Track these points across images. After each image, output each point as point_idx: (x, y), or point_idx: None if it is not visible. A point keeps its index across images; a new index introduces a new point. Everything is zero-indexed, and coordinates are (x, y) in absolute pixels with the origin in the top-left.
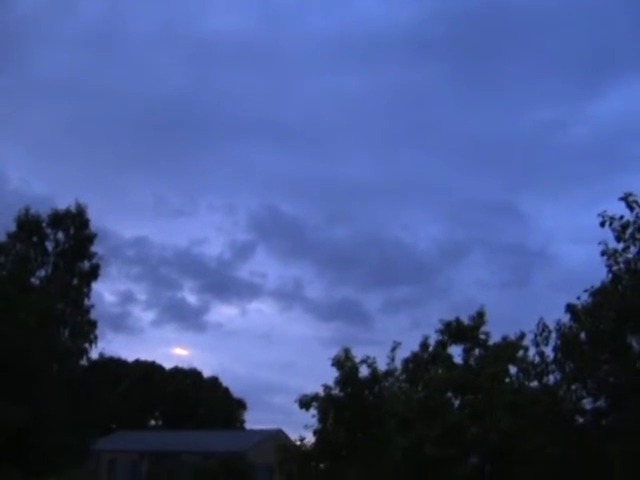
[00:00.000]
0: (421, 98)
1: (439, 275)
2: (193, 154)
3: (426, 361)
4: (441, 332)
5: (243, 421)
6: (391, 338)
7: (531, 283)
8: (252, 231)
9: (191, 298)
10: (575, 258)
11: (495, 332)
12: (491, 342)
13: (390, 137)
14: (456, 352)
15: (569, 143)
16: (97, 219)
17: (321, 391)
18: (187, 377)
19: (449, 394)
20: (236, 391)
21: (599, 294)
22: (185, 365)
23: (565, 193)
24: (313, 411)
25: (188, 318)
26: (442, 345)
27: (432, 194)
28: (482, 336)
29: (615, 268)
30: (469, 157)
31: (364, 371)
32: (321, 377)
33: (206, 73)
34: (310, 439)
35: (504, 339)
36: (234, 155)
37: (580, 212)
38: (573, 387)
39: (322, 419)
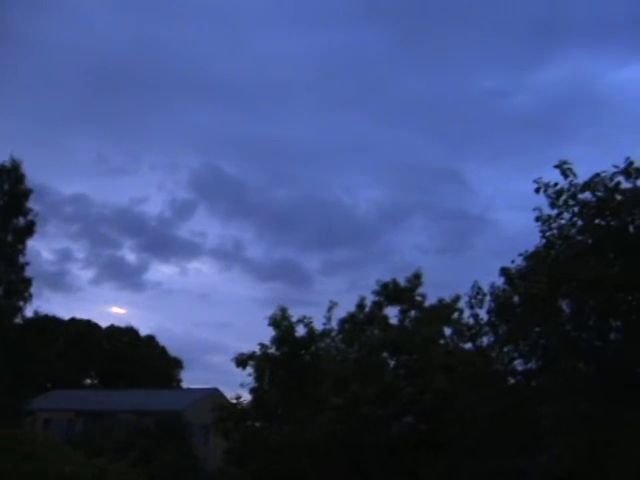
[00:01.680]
0: (368, 62)
1: (379, 238)
2: (136, 112)
3: (362, 321)
4: (378, 293)
5: (180, 380)
6: (329, 299)
7: (469, 248)
8: (193, 190)
9: (130, 257)
10: (513, 224)
11: (432, 295)
12: (427, 304)
13: (335, 100)
14: (392, 313)
15: (511, 111)
16: (35, 175)
17: (257, 350)
18: (123, 335)
19: (384, 354)
20: (173, 350)
21: (533, 259)
22: (122, 324)
23: (505, 160)
24: (249, 370)
25: (127, 277)
26: (378, 306)
27: (375, 157)
28: (418, 298)
29: (548, 234)
30: (413, 122)
31: (300, 331)
32: (259, 337)
33: (152, 30)
34: (246, 398)
35: (440, 301)
36: (178, 114)
37: (519, 179)
38: (505, 349)
39: (258, 378)
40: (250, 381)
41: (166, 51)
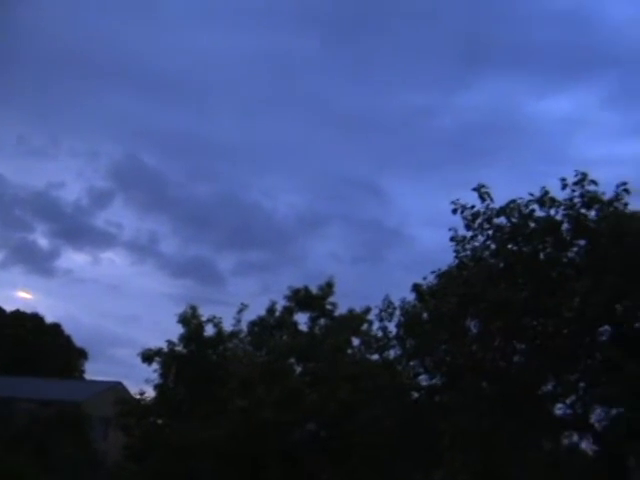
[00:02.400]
0: (301, 67)
1: (295, 243)
2: (61, 96)
3: (272, 326)
4: (289, 299)
5: (83, 371)
6: (241, 300)
7: (384, 261)
8: (112, 180)
9: (43, 242)
10: (428, 240)
11: (344, 304)
12: (337, 313)
13: (264, 102)
14: (302, 320)
15: (434, 130)
16: None
17: (165, 347)
18: (28, 321)
19: (292, 360)
20: (79, 340)
21: (444, 277)
22: (28, 309)
23: (426, 178)
24: (155, 366)
25: (37, 262)
26: (289, 311)
27: (297, 163)
28: (329, 306)
29: (462, 254)
30: (338, 131)
31: (210, 330)
32: (168, 333)
33: (82, 15)
34: (150, 394)
35: (350, 311)
36: (102, 102)
37: (437, 197)
38: (412, 363)
39: (163, 374)
40: (155, 377)
41: (95, 38)
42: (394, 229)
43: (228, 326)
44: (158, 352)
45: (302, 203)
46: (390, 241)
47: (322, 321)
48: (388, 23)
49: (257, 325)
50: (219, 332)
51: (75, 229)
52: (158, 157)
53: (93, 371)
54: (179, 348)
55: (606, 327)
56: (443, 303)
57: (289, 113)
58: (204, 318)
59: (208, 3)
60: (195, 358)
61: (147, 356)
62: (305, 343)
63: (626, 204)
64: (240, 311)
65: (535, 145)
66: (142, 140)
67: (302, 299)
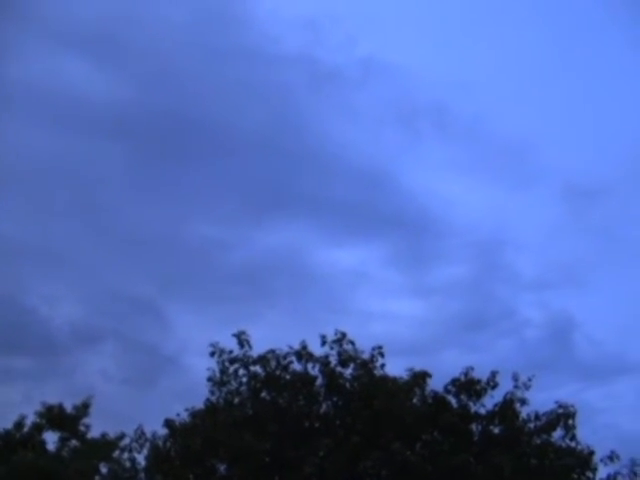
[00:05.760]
0: (101, 180)
1: (66, 356)
2: None
3: (17, 442)
4: (40, 415)
5: None
6: None
7: (156, 386)
8: None
9: None
10: (204, 372)
11: (103, 426)
12: (91, 435)
13: (55, 207)
14: (52, 439)
15: (224, 264)
16: None
17: None
18: None
19: None
20: None
21: (197, 417)
22: None
23: (210, 309)
24: None
25: None
26: (38, 428)
27: (80, 273)
28: (82, 428)
29: (215, 396)
30: (129, 250)
31: None
32: None
33: None
34: None
35: (103, 435)
36: None
37: (218, 330)
38: None
39: None
40: None
41: None
42: (171, 355)
43: None
44: None
45: (80, 315)
46: (165, 367)
47: (73, 442)
48: (197, 153)
49: (1, 440)
50: None
51: None
52: None
53: None
54: None
55: None
56: (192, 442)
57: (79, 222)
58: None
59: (22, 99)
60: None
61: None
62: (50, 464)
63: (383, 365)
64: None
65: (319, 293)
66: None
67: (55, 417)
